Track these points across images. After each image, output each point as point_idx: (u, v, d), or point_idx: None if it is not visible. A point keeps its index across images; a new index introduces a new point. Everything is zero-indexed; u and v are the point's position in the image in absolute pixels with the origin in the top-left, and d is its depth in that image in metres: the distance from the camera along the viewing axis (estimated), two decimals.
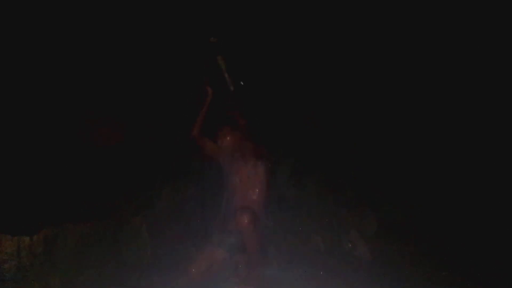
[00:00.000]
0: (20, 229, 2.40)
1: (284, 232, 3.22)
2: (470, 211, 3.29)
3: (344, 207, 3.45)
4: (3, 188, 2.81)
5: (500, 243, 3.00)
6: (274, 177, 2.88)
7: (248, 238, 2.46)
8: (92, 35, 3.70)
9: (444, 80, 3.97)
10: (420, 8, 3.90)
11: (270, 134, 3.36)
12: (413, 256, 2.99)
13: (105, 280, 2.59)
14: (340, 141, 3.99)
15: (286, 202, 3.44)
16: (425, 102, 3.97)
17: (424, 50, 4.00)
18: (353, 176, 3.72)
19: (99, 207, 2.98)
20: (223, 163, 2.76)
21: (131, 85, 3.85)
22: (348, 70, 4.13)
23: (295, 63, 4.16)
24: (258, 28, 4.04)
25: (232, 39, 4.00)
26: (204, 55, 3.76)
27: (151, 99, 3.84)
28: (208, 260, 2.58)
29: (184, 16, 3.93)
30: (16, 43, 3.45)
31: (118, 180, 3.16)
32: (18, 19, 3.45)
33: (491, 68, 3.80)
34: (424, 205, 3.40)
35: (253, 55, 4.06)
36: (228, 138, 2.70)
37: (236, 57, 3.99)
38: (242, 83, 2.86)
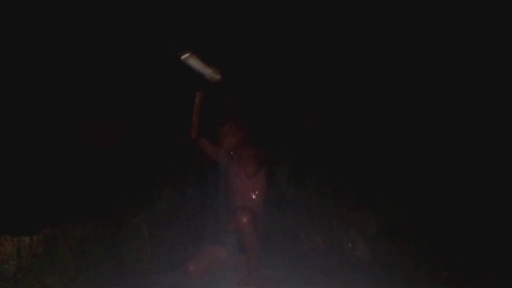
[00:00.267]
0: (20, 229, 2.39)
1: (284, 232, 3.22)
2: (470, 211, 3.29)
3: (344, 207, 3.45)
4: (3, 188, 2.81)
5: (500, 243, 2.99)
6: (274, 177, 2.88)
7: (248, 238, 2.46)
8: (92, 36, 3.70)
9: (444, 80, 3.97)
10: (420, 8, 3.90)
11: (270, 134, 3.37)
12: (413, 256, 2.99)
13: (105, 280, 2.59)
14: (340, 141, 3.99)
15: (286, 202, 3.44)
16: (425, 102, 3.97)
17: (424, 50, 4.01)
18: (353, 176, 3.72)
19: (99, 207, 2.98)
20: (223, 164, 2.76)
21: (131, 85, 3.85)
22: (348, 70, 4.13)
23: (295, 64, 4.16)
24: (258, 29, 4.04)
25: (232, 40, 4.01)
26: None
27: (151, 99, 3.84)
28: (207, 258, 2.58)
29: (184, 16, 3.93)
30: (16, 43, 3.45)
31: (118, 180, 3.16)
32: (18, 19, 3.45)
33: (491, 68, 3.81)
34: (424, 205, 3.40)
35: (253, 56, 4.06)
36: (229, 139, 2.70)
37: (237, 58, 4.00)
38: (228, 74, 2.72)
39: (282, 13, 4.05)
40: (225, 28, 3.98)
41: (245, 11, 3.98)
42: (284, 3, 4.02)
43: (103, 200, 3.06)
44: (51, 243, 2.45)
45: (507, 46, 3.71)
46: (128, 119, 3.71)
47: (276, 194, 3.01)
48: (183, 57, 2.55)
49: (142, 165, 3.39)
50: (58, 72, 3.61)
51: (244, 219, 2.44)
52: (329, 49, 4.14)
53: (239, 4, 3.94)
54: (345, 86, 4.17)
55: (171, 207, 3.20)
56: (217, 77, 2.63)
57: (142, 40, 3.85)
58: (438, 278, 2.73)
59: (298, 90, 4.16)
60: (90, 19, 3.69)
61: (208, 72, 2.63)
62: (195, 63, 2.59)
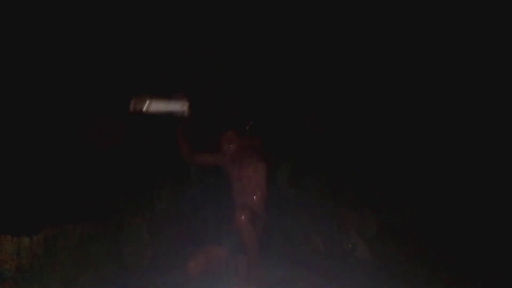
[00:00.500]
0: (20, 230, 2.40)
1: (284, 233, 3.22)
2: (470, 212, 3.29)
3: (344, 208, 3.44)
4: (3, 188, 2.81)
5: (500, 243, 2.99)
6: (274, 178, 2.88)
7: (247, 238, 2.46)
8: (92, 36, 3.70)
9: (444, 81, 3.97)
10: (420, 8, 3.90)
11: (270, 135, 3.37)
12: (413, 257, 2.99)
13: (105, 280, 2.59)
14: (340, 142, 3.99)
15: (286, 203, 3.44)
16: (425, 103, 3.97)
17: (424, 51, 4.00)
18: (353, 177, 3.72)
19: (99, 208, 2.98)
20: (224, 167, 2.76)
21: (131, 85, 3.85)
22: (348, 71, 4.13)
23: (295, 64, 4.16)
24: (258, 29, 4.04)
25: (232, 40, 4.01)
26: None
27: (151, 100, 3.83)
28: (207, 257, 2.58)
29: (185, 16, 3.93)
30: (16, 43, 3.45)
31: (118, 180, 3.16)
32: (18, 20, 3.45)
33: (491, 69, 3.80)
34: (424, 206, 3.40)
35: (253, 56, 4.06)
36: (231, 144, 2.68)
37: (236, 58, 4.00)
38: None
39: (282, 14, 4.05)
40: (225, 28, 3.98)
41: (245, 11, 3.98)
42: (284, 3, 4.02)
43: (103, 201, 3.06)
44: (51, 243, 2.46)
45: (507, 46, 3.71)
46: (128, 119, 3.71)
47: (276, 195, 3.01)
48: (143, 109, 2.41)
49: (142, 166, 3.38)
50: (58, 72, 3.61)
51: (243, 219, 2.44)
52: (329, 50, 4.14)
53: (239, 4, 3.94)
54: (345, 86, 4.17)
55: (171, 207, 3.20)
56: (187, 106, 2.49)
57: (142, 40, 3.85)
58: (438, 278, 2.72)
59: (298, 91, 4.16)
60: (91, 20, 3.69)
61: (176, 107, 2.48)
62: (158, 106, 2.44)
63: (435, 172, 3.64)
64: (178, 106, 2.47)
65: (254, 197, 2.67)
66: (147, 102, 2.41)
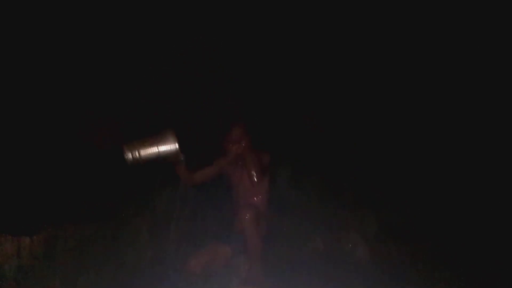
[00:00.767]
0: (20, 230, 2.40)
1: (284, 233, 3.22)
2: (470, 212, 3.29)
3: (344, 208, 3.44)
4: (3, 188, 2.81)
5: (500, 243, 3.00)
6: (274, 179, 2.88)
7: (250, 237, 2.46)
8: (92, 36, 3.70)
9: (444, 80, 3.97)
10: (420, 8, 3.91)
11: (270, 135, 3.37)
12: (414, 257, 2.99)
13: (105, 280, 2.59)
14: (339, 143, 3.99)
15: (286, 203, 3.44)
16: (425, 103, 3.97)
17: (424, 50, 4.01)
18: (353, 177, 3.72)
19: (99, 208, 2.98)
20: (227, 172, 2.76)
21: (131, 86, 3.85)
22: (348, 71, 4.14)
23: (295, 65, 4.16)
24: (258, 29, 4.04)
25: (232, 40, 4.01)
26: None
27: (151, 100, 3.84)
28: (208, 255, 2.58)
29: (185, 16, 3.93)
30: (16, 43, 3.45)
31: (118, 180, 3.16)
32: (18, 20, 3.45)
33: (491, 69, 3.81)
34: (424, 206, 3.40)
35: (253, 56, 4.06)
36: (234, 146, 2.68)
37: (236, 58, 4.00)
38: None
39: (282, 13, 4.05)
40: (225, 28, 3.98)
41: (245, 11, 3.98)
42: (284, 3, 4.02)
43: (103, 201, 3.06)
44: (51, 244, 2.46)
45: (507, 46, 3.71)
46: (128, 119, 3.71)
47: (276, 195, 3.01)
48: (132, 159, 2.31)
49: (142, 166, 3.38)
50: (58, 72, 3.61)
51: (247, 218, 2.44)
52: (329, 50, 4.14)
53: (239, 4, 3.94)
54: (345, 86, 4.17)
55: (171, 208, 3.20)
56: (176, 146, 2.37)
57: (142, 40, 3.85)
58: (438, 279, 2.73)
59: (298, 91, 4.16)
60: (90, 19, 3.69)
61: (166, 151, 2.36)
62: (147, 155, 2.33)
63: (435, 173, 3.64)
64: (168, 151, 2.37)
65: (257, 198, 2.68)
66: (132, 153, 2.32)
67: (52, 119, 3.53)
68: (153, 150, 2.35)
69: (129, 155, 2.31)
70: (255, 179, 2.55)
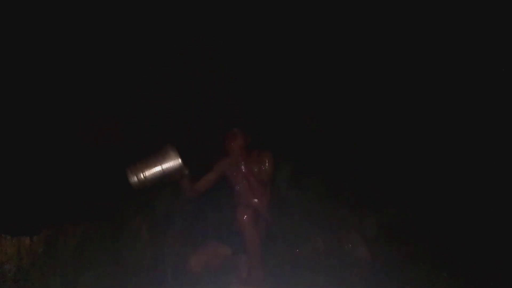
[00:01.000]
0: (20, 230, 2.40)
1: (284, 233, 3.22)
2: (470, 211, 3.29)
3: (344, 208, 3.44)
4: (3, 188, 2.81)
5: (500, 243, 3.00)
6: (274, 179, 2.88)
7: (248, 237, 2.46)
8: (92, 36, 3.70)
9: (444, 80, 3.97)
10: (420, 8, 3.91)
11: (270, 135, 3.37)
12: (414, 257, 2.99)
13: (105, 280, 2.59)
14: (340, 142, 3.99)
15: (286, 203, 3.44)
16: (425, 103, 3.97)
17: (424, 50, 4.01)
18: (353, 177, 3.72)
19: (99, 208, 2.99)
20: (230, 173, 2.76)
21: (131, 86, 3.85)
22: (348, 71, 4.14)
23: (295, 65, 4.16)
24: (258, 29, 4.04)
25: (232, 40, 4.01)
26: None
27: (151, 100, 3.84)
28: (208, 253, 2.58)
29: (185, 16, 3.93)
30: (16, 44, 3.45)
31: (118, 180, 3.16)
32: (18, 19, 3.45)
33: (491, 68, 3.81)
34: (424, 206, 3.40)
35: (253, 56, 4.06)
36: (236, 143, 2.68)
37: (236, 58, 4.00)
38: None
39: (282, 13, 4.05)
40: (225, 28, 3.98)
41: (245, 11, 3.98)
42: (285, 3, 4.02)
43: (103, 201, 3.06)
44: (51, 244, 2.46)
45: (507, 46, 3.71)
46: (128, 119, 3.71)
47: (276, 195, 3.01)
48: (138, 182, 2.31)
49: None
50: (58, 72, 3.61)
51: (246, 219, 2.44)
52: (329, 50, 4.14)
53: (239, 4, 3.94)
54: (345, 86, 4.17)
55: (171, 208, 3.20)
56: (179, 161, 2.35)
57: (142, 40, 3.85)
58: (438, 279, 2.73)
59: (298, 91, 4.16)
60: (90, 20, 3.69)
61: (170, 167, 2.34)
62: (152, 175, 2.32)
63: (435, 173, 3.64)
64: (171, 169, 2.36)
65: (256, 199, 2.67)
66: (143, 171, 2.31)
67: (52, 119, 3.53)
68: (157, 169, 2.33)
69: (134, 178, 2.30)
70: (267, 178, 2.55)
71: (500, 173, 3.49)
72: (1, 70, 3.32)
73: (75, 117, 3.61)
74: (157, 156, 2.37)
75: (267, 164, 2.64)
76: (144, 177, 2.30)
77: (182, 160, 2.37)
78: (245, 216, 2.45)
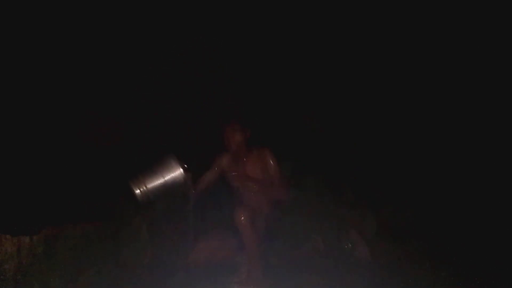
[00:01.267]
0: (20, 229, 2.40)
1: (284, 233, 3.22)
2: (470, 211, 3.29)
3: (344, 208, 3.45)
4: (3, 188, 2.81)
5: (500, 243, 2.99)
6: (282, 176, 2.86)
7: (246, 237, 2.44)
8: (92, 36, 3.71)
9: (444, 80, 3.97)
10: (420, 8, 3.91)
11: (270, 135, 3.37)
12: (413, 257, 2.99)
13: (105, 280, 2.59)
14: (340, 142, 4.00)
15: (286, 203, 3.44)
16: (425, 103, 3.97)
17: (424, 50, 4.01)
18: (353, 177, 3.72)
19: (99, 207, 2.99)
20: (228, 170, 2.75)
21: (131, 86, 3.85)
22: (348, 71, 4.14)
23: (295, 65, 4.16)
24: (258, 29, 4.05)
25: (232, 40, 4.02)
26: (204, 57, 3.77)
27: (151, 100, 3.85)
28: (211, 245, 2.57)
29: (185, 16, 3.93)
30: (16, 44, 3.45)
31: (118, 180, 3.16)
32: (18, 19, 3.46)
33: (491, 68, 3.81)
34: (424, 205, 3.40)
35: (253, 56, 4.07)
36: (235, 138, 2.67)
37: (236, 58, 4.01)
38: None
39: (282, 13, 4.05)
40: (225, 28, 3.98)
41: (245, 11, 3.98)
42: (285, 3, 4.02)
43: (103, 200, 3.06)
44: (51, 243, 2.46)
45: (507, 46, 3.71)
46: (128, 119, 3.72)
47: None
48: (141, 194, 2.34)
49: (142, 165, 3.38)
50: (58, 72, 3.61)
51: (242, 219, 2.43)
52: (329, 50, 4.15)
53: (239, 4, 3.94)
54: (345, 86, 4.17)
55: (171, 207, 3.20)
56: (180, 171, 2.38)
57: (142, 40, 3.85)
58: (438, 278, 2.73)
59: (298, 91, 4.16)
60: (91, 20, 3.70)
61: (171, 177, 2.38)
62: (154, 186, 2.35)
63: (435, 172, 3.64)
64: (176, 172, 2.38)
65: (255, 198, 2.66)
66: (145, 183, 2.33)
67: (52, 119, 3.54)
68: (159, 180, 2.36)
69: (138, 191, 2.32)
70: (258, 174, 2.54)
71: (500, 172, 3.49)
72: (1, 70, 3.33)
73: (75, 117, 3.62)
74: (158, 167, 2.40)
75: (270, 162, 2.62)
76: (146, 188, 2.33)
77: (185, 169, 2.37)
78: (242, 217, 2.44)
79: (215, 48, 3.96)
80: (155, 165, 2.41)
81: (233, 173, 2.70)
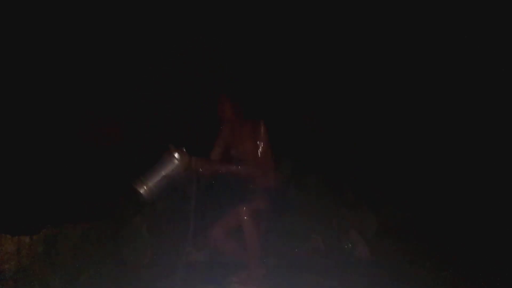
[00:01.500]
0: (20, 229, 2.40)
1: (284, 232, 3.22)
2: (470, 211, 3.29)
3: (344, 207, 3.45)
4: (3, 188, 2.81)
5: (500, 243, 2.99)
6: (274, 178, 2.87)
7: (249, 234, 2.44)
8: (92, 36, 3.71)
9: (444, 80, 3.97)
10: (420, 8, 3.91)
11: (270, 135, 3.36)
12: (413, 256, 2.99)
13: (105, 280, 2.59)
14: (340, 142, 4.00)
15: (286, 202, 3.44)
16: (425, 102, 3.97)
17: (424, 50, 4.01)
18: (353, 176, 3.72)
19: (99, 207, 2.98)
20: (230, 139, 2.73)
21: (131, 86, 3.85)
22: (348, 71, 4.14)
23: (295, 64, 4.16)
24: (258, 29, 4.05)
25: (232, 40, 4.02)
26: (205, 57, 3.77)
27: (151, 99, 3.85)
28: (226, 221, 2.56)
29: (185, 16, 3.93)
30: (16, 43, 3.45)
31: (118, 179, 3.16)
32: (18, 19, 3.46)
33: (491, 68, 3.81)
34: (424, 205, 3.40)
35: (253, 56, 4.07)
36: (229, 118, 2.67)
37: (236, 58, 4.01)
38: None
39: (282, 14, 4.05)
40: (225, 28, 3.98)
41: (245, 11, 3.98)
42: (285, 3, 4.03)
43: (103, 200, 3.06)
44: (51, 243, 2.45)
45: (507, 46, 3.71)
46: (128, 119, 3.72)
47: (276, 194, 3.01)
48: (146, 192, 2.32)
49: (142, 165, 3.38)
50: (58, 72, 3.61)
51: (246, 215, 2.43)
52: (329, 50, 4.15)
53: (239, 4, 3.94)
54: (345, 86, 4.17)
55: (171, 206, 3.20)
56: (175, 162, 2.35)
57: (142, 40, 3.85)
58: (438, 278, 2.73)
59: (298, 91, 4.16)
60: (91, 20, 3.70)
61: (170, 170, 2.35)
62: (156, 183, 2.32)
63: (435, 172, 3.64)
64: (172, 164, 2.37)
65: (256, 197, 2.65)
66: (146, 183, 2.32)
67: (52, 119, 3.53)
68: (159, 175, 2.35)
69: (142, 190, 2.31)
70: (255, 145, 2.52)
71: (500, 172, 3.49)
72: (1, 70, 3.33)
73: (75, 117, 3.62)
74: (158, 163, 2.40)
75: (262, 135, 2.60)
76: (151, 185, 2.33)
77: (183, 154, 2.36)
78: (246, 214, 2.43)
79: (215, 48, 3.96)
80: (155, 163, 2.41)
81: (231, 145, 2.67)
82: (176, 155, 2.36)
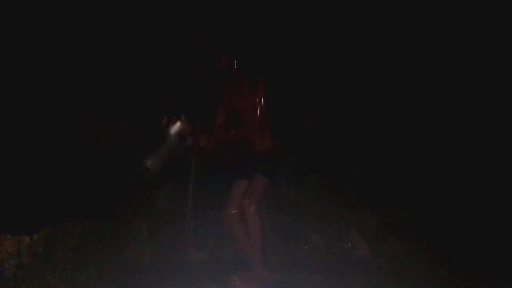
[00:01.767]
0: (20, 229, 2.40)
1: (284, 232, 3.22)
2: (470, 211, 3.29)
3: (344, 207, 3.45)
4: (3, 188, 2.81)
5: (500, 243, 2.99)
6: (274, 177, 2.87)
7: (253, 229, 2.43)
8: (92, 36, 3.71)
9: (444, 80, 3.98)
10: (420, 8, 3.91)
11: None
12: (413, 256, 2.99)
13: (105, 279, 2.59)
14: (340, 141, 4.00)
15: (286, 202, 3.44)
16: (425, 102, 3.97)
17: (424, 50, 4.01)
18: (353, 176, 3.72)
19: (99, 207, 2.99)
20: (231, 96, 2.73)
21: (131, 85, 3.86)
22: (348, 71, 4.14)
23: (295, 64, 4.16)
24: (258, 29, 4.05)
25: (232, 40, 4.01)
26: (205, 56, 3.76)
27: (151, 99, 3.85)
28: (236, 204, 2.55)
29: (185, 16, 3.94)
30: (16, 43, 3.45)
31: (117, 179, 3.16)
32: (18, 19, 3.46)
33: (491, 68, 3.81)
34: (424, 205, 3.40)
35: (253, 56, 4.06)
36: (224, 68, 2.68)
37: (236, 58, 4.00)
38: None
39: (282, 14, 4.06)
40: (225, 28, 3.98)
41: (245, 11, 3.99)
42: (285, 3, 4.03)
43: (103, 200, 3.06)
44: (51, 243, 2.46)
45: (507, 46, 3.71)
46: (127, 119, 3.72)
47: (276, 194, 3.01)
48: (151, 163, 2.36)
49: (142, 164, 3.38)
50: (58, 72, 3.61)
51: (252, 208, 2.42)
52: (329, 50, 4.15)
53: (239, 4, 3.95)
54: (345, 86, 4.17)
55: (171, 206, 3.20)
56: (185, 123, 2.42)
57: (142, 40, 3.86)
58: (438, 277, 2.72)
59: (298, 91, 4.16)
60: (91, 19, 3.70)
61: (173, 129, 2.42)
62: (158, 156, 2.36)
63: (435, 172, 3.64)
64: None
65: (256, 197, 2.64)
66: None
67: (52, 119, 3.54)
68: (159, 150, 2.42)
69: (147, 164, 2.30)
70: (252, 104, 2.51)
71: (500, 171, 3.49)
72: (1, 70, 3.33)
73: (75, 117, 3.62)
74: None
75: (260, 93, 2.59)
76: (150, 162, 2.31)
77: (182, 120, 2.34)
78: (252, 207, 2.42)
79: (215, 48, 3.96)
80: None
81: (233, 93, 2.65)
82: (176, 121, 2.37)
